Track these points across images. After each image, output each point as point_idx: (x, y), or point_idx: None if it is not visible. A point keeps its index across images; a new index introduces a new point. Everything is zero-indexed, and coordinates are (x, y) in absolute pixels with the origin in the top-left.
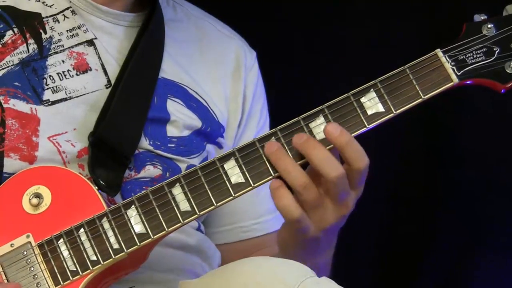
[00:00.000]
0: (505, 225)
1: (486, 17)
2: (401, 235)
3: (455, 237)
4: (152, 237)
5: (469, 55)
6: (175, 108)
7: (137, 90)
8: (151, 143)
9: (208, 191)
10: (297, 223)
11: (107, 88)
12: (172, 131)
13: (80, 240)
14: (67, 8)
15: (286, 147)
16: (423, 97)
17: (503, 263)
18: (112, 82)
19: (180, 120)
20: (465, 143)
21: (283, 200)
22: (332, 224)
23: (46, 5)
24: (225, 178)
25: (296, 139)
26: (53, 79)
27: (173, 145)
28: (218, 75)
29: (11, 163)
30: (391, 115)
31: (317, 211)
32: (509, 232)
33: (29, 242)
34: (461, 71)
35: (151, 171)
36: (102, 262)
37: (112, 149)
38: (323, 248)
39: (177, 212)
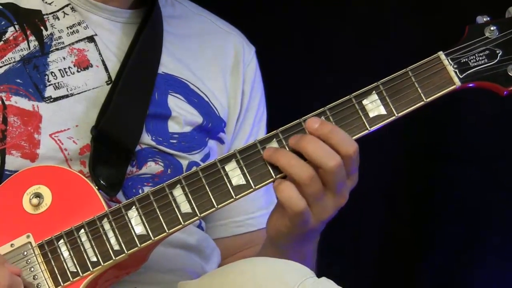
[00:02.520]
0: (504, 223)
1: (489, 19)
2: (401, 234)
3: (455, 235)
4: (152, 238)
5: (472, 57)
6: (176, 103)
7: (137, 86)
8: (153, 138)
9: (209, 192)
10: (300, 215)
11: (108, 84)
12: (173, 127)
13: (81, 240)
14: (67, 5)
15: (288, 149)
16: (425, 100)
17: (503, 261)
18: (113, 78)
19: (181, 116)
20: (464, 140)
21: (288, 192)
22: (330, 215)
23: (46, 2)
24: (226, 179)
25: (292, 140)
26: (55, 75)
27: (175, 141)
28: (218, 70)
29: (13, 161)
30: (393, 117)
31: (319, 203)
32: (509, 230)
33: (29, 242)
34: (464, 74)
35: (152, 167)
36: (102, 264)
37: (114, 143)
38: (313, 238)
39: (178, 214)
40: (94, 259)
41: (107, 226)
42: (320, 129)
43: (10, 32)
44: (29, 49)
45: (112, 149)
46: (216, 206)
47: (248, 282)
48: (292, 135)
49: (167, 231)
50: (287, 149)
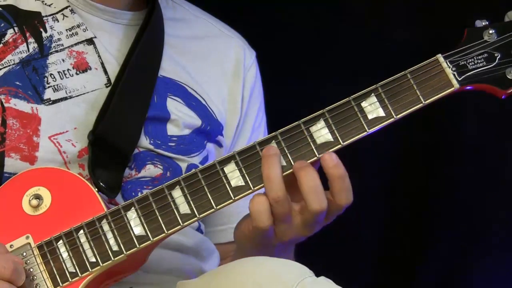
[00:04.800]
0: (504, 223)
1: (487, 22)
2: (400, 234)
3: (455, 235)
4: (151, 239)
5: (470, 60)
6: (174, 106)
7: (136, 89)
8: (151, 142)
9: (208, 194)
10: (263, 231)
11: (107, 87)
12: (172, 129)
13: (80, 241)
14: (66, 7)
15: (286, 151)
16: (423, 102)
17: (503, 261)
18: (112, 81)
19: (180, 118)
20: (463, 140)
21: (259, 206)
22: (291, 240)
23: (46, 4)
24: (225, 181)
25: (298, 164)
26: (54, 77)
27: (173, 144)
28: (218, 74)
29: (12, 163)
30: (392, 119)
31: (282, 224)
32: (508, 230)
33: (29, 243)
34: (462, 77)
35: (151, 170)
36: (101, 264)
37: (112, 148)
38: (277, 254)
39: (177, 215)
40: (93, 259)
41: (106, 227)
42: (333, 169)
43: (10, 34)
44: (28, 51)
45: (110, 153)
46: (215, 207)
47: (247, 281)
48: (291, 137)
49: (166, 232)
50: (286, 151)
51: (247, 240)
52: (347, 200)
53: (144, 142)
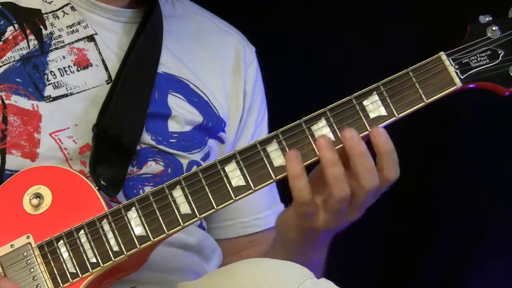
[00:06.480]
0: (504, 222)
1: (491, 18)
2: (400, 233)
3: (455, 234)
4: (152, 239)
5: (473, 58)
6: (176, 103)
7: (136, 85)
8: (153, 138)
9: (209, 193)
10: (306, 205)
11: (107, 83)
12: (173, 126)
13: (80, 242)
14: (67, 4)
15: (288, 150)
16: (426, 100)
17: (504, 259)
18: (113, 77)
19: (181, 115)
20: (466, 138)
21: (300, 184)
22: (339, 226)
23: (46, 1)
24: (225, 180)
25: (348, 135)
26: (54, 74)
27: (174, 140)
28: (218, 70)
29: (13, 160)
30: (394, 118)
31: (338, 214)
32: (508, 229)
33: (29, 243)
34: (465, 75)
35: (153, 167)
36: (102, 265)
37: (115, 142)
38: (320, 242)
39: (178, 215)
40: (94, 260)
41: (106, 227)
42: (386, 145)
43: (9, 31)
44: (29, 48)
45: (113, 148)
46: (215, 207)
47: (247, 283)
48: (292, 136)
49: (166, 232)
50: (287, 150)
51: (292, 229)
52: (396, 174)
53: (146, 138)
